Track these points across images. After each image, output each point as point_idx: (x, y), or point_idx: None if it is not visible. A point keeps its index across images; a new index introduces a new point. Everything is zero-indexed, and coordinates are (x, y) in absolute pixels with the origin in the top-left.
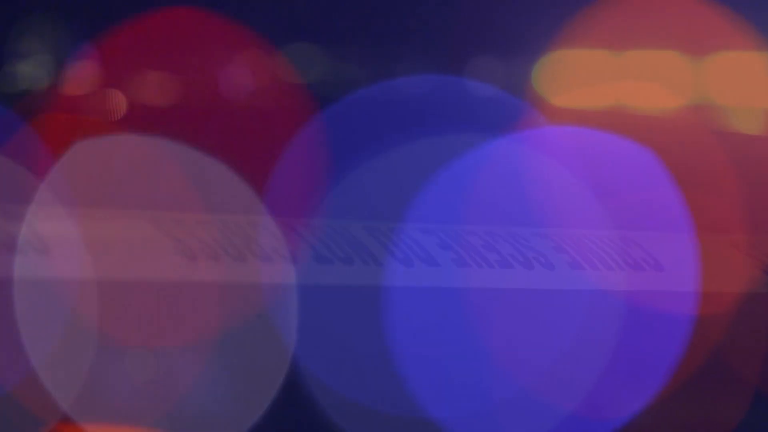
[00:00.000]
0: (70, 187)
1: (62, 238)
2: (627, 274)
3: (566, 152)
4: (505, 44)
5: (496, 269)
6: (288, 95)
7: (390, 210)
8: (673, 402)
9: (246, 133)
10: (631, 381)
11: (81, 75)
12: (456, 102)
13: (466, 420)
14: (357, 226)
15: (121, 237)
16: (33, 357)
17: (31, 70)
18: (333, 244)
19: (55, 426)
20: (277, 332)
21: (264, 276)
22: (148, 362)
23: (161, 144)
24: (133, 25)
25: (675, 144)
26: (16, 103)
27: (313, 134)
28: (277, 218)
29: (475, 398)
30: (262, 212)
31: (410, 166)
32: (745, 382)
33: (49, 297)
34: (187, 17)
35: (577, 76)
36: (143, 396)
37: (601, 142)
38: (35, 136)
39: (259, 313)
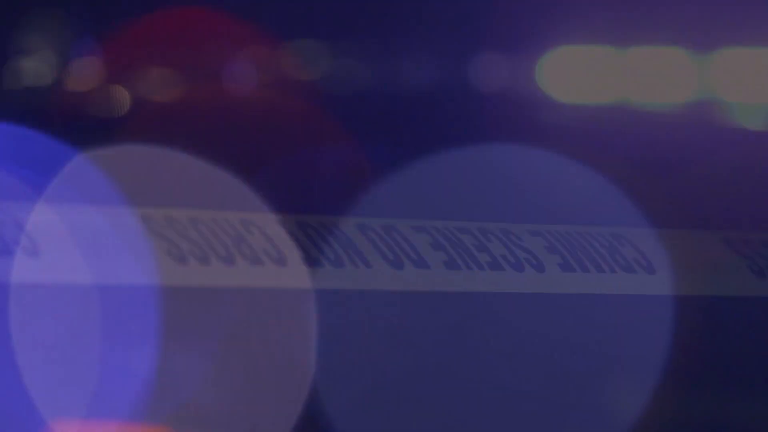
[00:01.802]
0: (65, 187)
1: (53, 240)
2: (619, 276)
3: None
4: (509, 41)
5: (486, 271)
6: (287, 92)
7: (386, 207)
8: (666, 403)
9: (242, 131)
10: (623, 384)
11: (84, 72)
12: (457, 98)
13: (456, 419)
14: (349, 224)
15: (112, 237)
16: (26, 358)
17: (31, 67)
18: (326, 246)
19: (48, 427)
20: (271, 334)
21: (257, 279)
22: (139, 363)
23: (157, 143)
24: (137, 23)
25: (679, 140)
26: (14, 101)
27: (311, 132)
28: (271, 217)
29: (468, 399)
30: (257, 210)
31: (408, 164)
32: (738, 383)
33: (39, 299)
34: (192, 15)
35: (581, 73)
36: (134, 396)
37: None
38: (32, 135)
39: (252, 316)
